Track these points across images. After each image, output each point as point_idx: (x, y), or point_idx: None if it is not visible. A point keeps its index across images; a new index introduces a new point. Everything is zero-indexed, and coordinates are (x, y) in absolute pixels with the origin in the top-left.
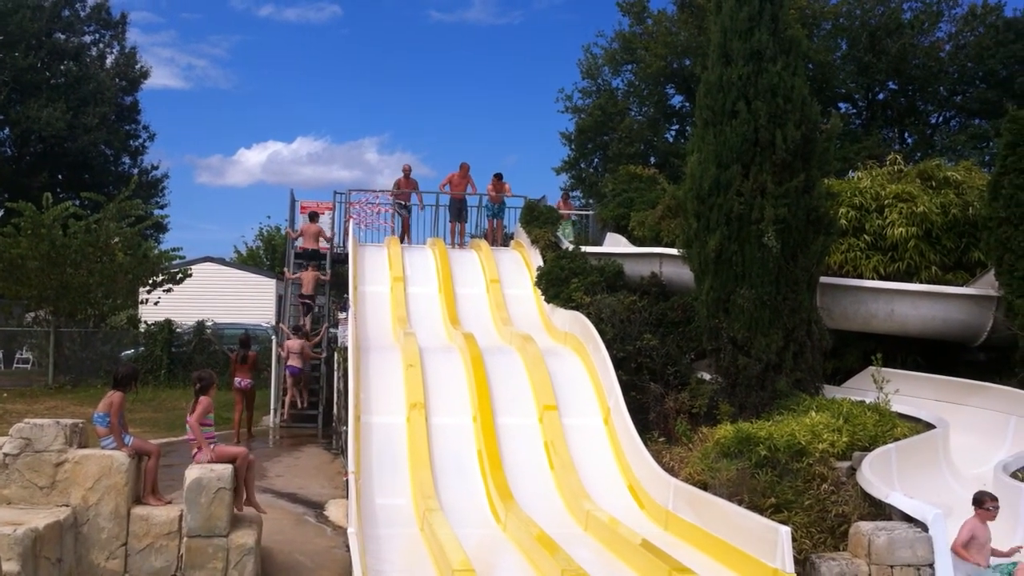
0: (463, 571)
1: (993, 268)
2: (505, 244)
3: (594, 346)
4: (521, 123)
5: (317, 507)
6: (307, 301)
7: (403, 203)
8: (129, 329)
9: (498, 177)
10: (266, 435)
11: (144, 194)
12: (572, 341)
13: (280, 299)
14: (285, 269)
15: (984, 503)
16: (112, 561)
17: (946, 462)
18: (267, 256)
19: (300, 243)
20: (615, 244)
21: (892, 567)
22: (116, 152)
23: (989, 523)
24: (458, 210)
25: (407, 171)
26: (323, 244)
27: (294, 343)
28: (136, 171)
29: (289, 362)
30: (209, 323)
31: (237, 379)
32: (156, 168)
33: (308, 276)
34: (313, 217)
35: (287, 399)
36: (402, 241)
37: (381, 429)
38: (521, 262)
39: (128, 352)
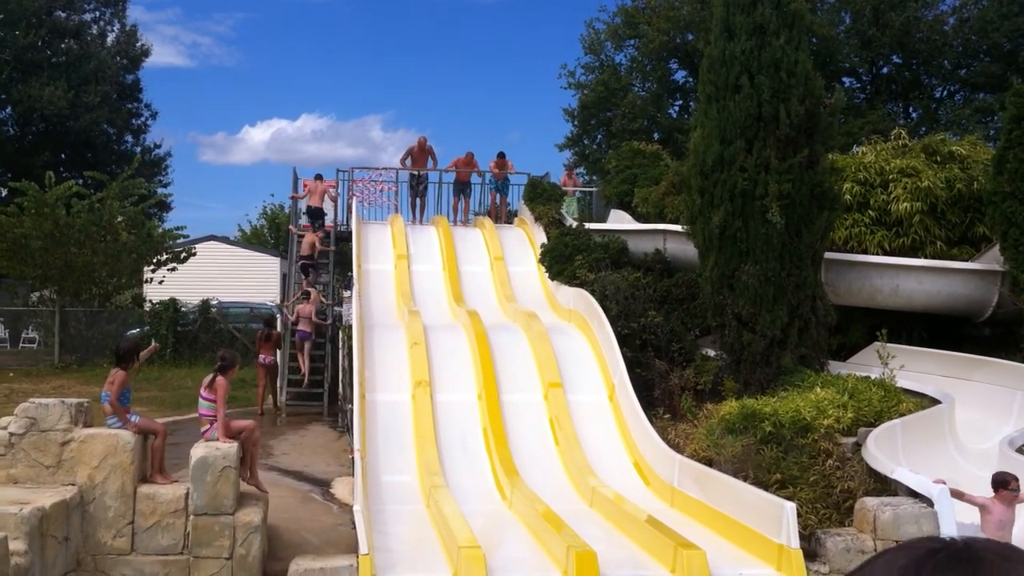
0: (469, 547)
1: (998, 243)
2: (509, 221)
3: (598, 323)
4: (524, 99)
5: (323, 484)
6: (306, 263)
7: (417, 173)
8: (134, 308)
9: (501, 155)
10: (272, 413)
11: (147, 173)
12: (576, 318)
13: (284, 277)
14: (291, 226)
15: (1008, 484)
16: (119, 539)
17: (952, 437)
18: (271, 234)
19: (306, 201)
20: (619, 221)
21: (897, 542)
22: (118, 131)
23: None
24: (461, 188)
25: (423, 142)
26: (328, 211)
27: (304, 308)
28: (139, 150)
29: (300, 327)
30: (214, 301)
31: (261, 356)
32: (159, 147)
33: (307, 239)
34: (319, 177)
35: (300, 363)
36: (417, 222)
37: (386, 407)
38: (525, 239)
39: (134, 331)
